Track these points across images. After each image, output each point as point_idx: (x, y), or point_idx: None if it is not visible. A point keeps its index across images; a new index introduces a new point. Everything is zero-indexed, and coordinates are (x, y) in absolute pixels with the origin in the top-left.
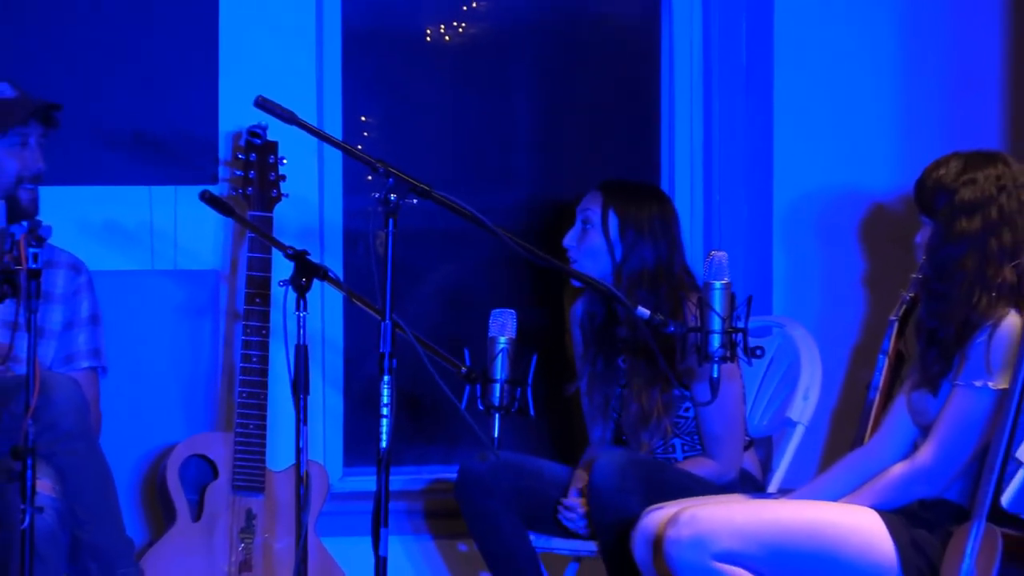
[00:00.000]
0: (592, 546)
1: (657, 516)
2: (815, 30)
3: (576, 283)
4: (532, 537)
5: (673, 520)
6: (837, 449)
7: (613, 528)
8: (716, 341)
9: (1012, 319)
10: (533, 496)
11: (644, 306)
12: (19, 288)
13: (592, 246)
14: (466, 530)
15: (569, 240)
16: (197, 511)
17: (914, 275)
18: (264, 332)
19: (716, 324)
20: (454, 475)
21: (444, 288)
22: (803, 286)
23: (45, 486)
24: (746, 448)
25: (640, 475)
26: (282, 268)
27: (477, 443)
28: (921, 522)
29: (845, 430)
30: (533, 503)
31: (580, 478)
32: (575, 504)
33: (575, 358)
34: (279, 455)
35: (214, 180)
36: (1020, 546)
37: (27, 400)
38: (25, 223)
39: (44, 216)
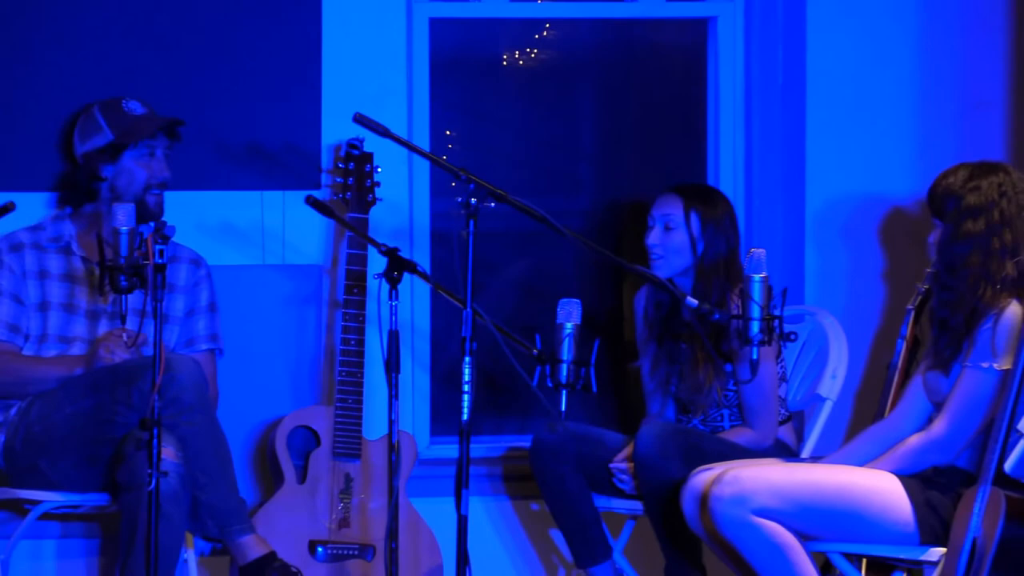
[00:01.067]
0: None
1: (704, 476)
2: (843, 54)
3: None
4: (595, 498)
5: (718, 479)
6: (861, 422)
7: (656, 490)
8: (755, 327)
9: (1014, 308)
10: (595, 462)
11: (719, 293)
12: (147, 280)
13: (677, 244)
14: (538, 492)
15: (653, 240)
16: (302, 475)
17: (928, 270)
18: (361, 319)
19: (756, 312)
20: (527, 443)
21: (518, 281)
22: (831, 279)
23: (169, 453)
24: (784, 422)
25: (679, 443)
26: (376, 263)
27: (547, 415)
28: (935, 485)
29: (868, 405)
30: (595, 468)
31: (629, 446)
32: (623, 467)
33: (637, 341)
34: (373, 426)
35: (317, 186)
36: (1021, 506)
37: (154, 378)
38: (152, 224)
39: (168, 218)
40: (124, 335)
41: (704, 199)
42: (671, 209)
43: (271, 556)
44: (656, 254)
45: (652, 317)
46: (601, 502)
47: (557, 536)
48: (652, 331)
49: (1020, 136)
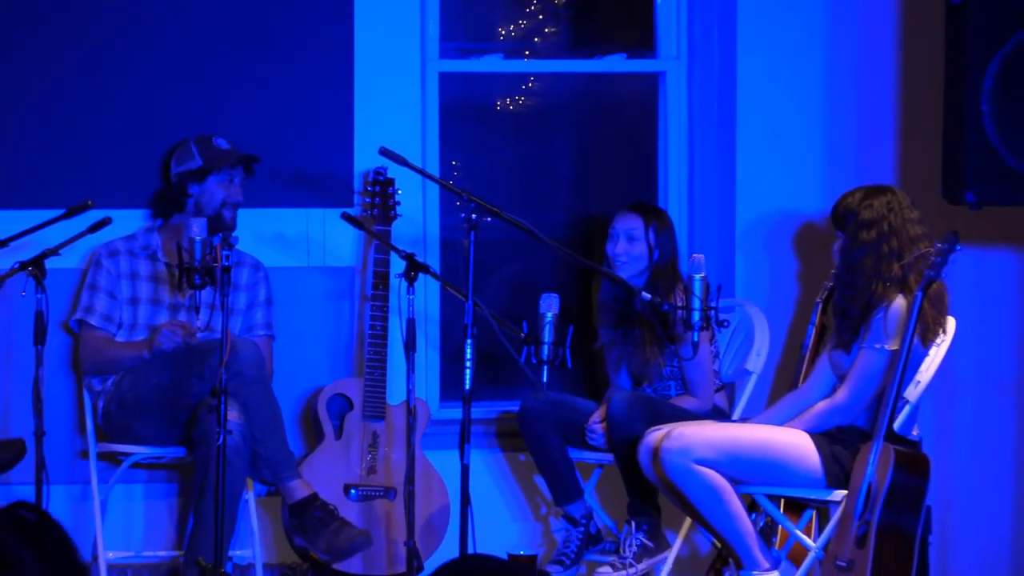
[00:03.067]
0: (610, 458)
1: (655, 435)
2: (765, 99)
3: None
4: (569, 451)
5: (667, 436)
6: (780, 391)
7: (624, 444)
8: (697, 316)
9: (900, 301)
10: (570, 423)
11: (666, 289)
12: (216, 279)
13: (638, 252)
14: (524, 447)
15: (619, 249)
16: (338, 432)
17: (832, 271)
18: (385, 309)
19: (696, 304)
20: (516, 408)
21: (509, 279)
22: (756, 278)
23: (233, 415)
24: (719, 390)
25: (642, 408)
26: (397, 265)
27: (531, 386)
28: (838, 441)
29: (785, 378)
30: (570, 428)
31: (601, 409)
32: (597, 427)
33: (599, 327)
34: (395, 393)
35: (351, 204)
36: (906, 457)
37: (221, 356)
38: (220, 234)
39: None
40: (177, 327)
41: (658, 216)
42: (633, 224)
43: (314, 496)
44: (621, 261)
45: (610, 308)
46: (575, 454)
47: (540, 481)
48: (610, 319)
49: (906, 162)
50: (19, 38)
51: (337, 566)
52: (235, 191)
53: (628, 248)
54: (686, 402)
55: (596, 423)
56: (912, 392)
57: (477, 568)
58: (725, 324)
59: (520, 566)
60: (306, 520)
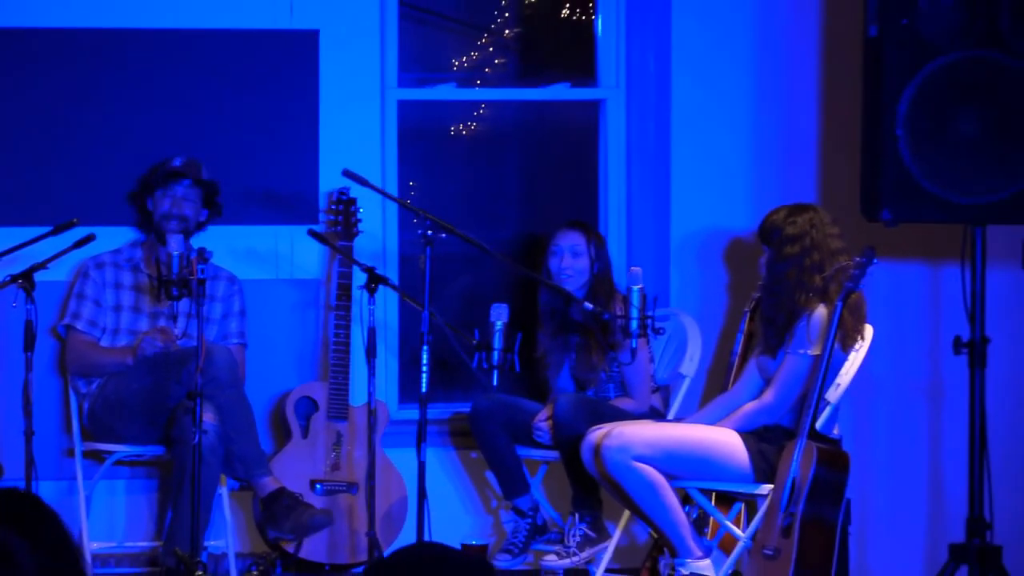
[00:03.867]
0: (555, 455)
1: (597, 433)
2: (697, 126)
3: (544, 289)
4: (517, 449)
5: (607, 434)
6: (711, 393)
7: (569, 443)
8: (634, 324)
9: (821, 310)
10: (517, 422)
11: (604, 299)
12: (192, 291)
13: (580, 266)
14: (475, 444)
15: (565, 264)
16: (305, 432)
17: (759, 283)
18: (348, 319)
19: (634, 313)
20: (468, 409)
21: (462, 291)
22: (689, 289)
23: (209, 417)
24: (655, 392)
25: (586, 409)
26: (359, 278)
27: (482, 388)
28: (765, 439)
29: (716, 381)
30: (518, 427)
31: (547, 409)
32: (543, 425)
33: (539, 335)
34: (357, 395)
35: (316, 221)
36: (827, 454)
37: (197, 362)
38: (196, 249)
39: (209, 246)
40: (158, 333)
41: (596, 233)
42: (576, 240)
43: (283, 489)
44: (567, 274)
45: (551, 318)
46: (522, 452)
47: (491, 476)
48: (551, 328)
49: (827, 182)
50: (13, 69)
51: (303, 555)
52: (177, 204)
53: (573, 263)
54: (625, 403)
55: (542, 421)
56: (833, 394)
57: (429, 555)
58: (661, 332)
59: (470, 555)
60: (275, 509)
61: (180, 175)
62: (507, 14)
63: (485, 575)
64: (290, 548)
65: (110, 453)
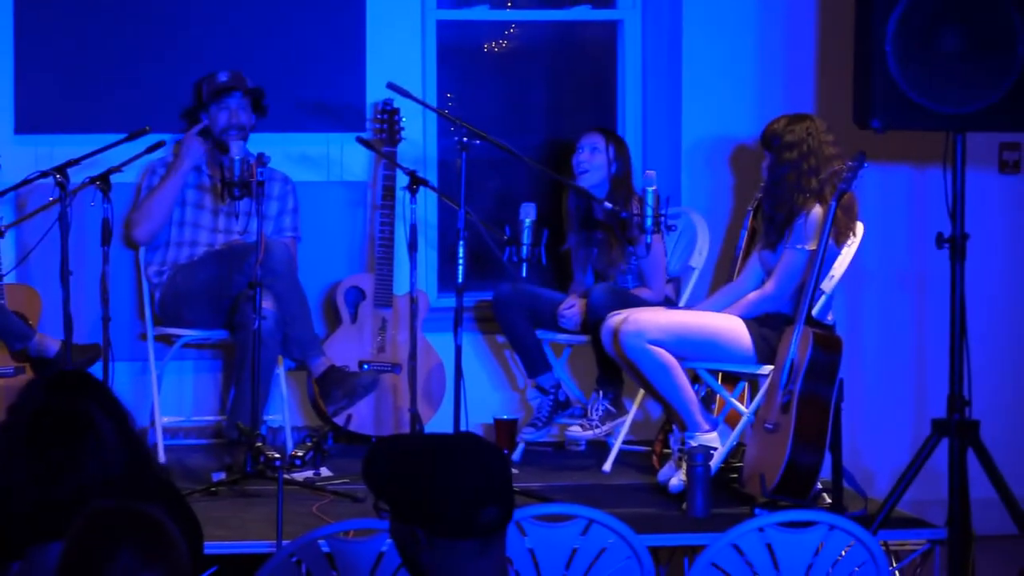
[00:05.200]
0: (578, 339)
1: (615, 319)
2: (706, 41)
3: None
4: (542, 333)
5: (624, 320)
6: (718, 283)
7: (598, 326)
8: (649, 221)
9: (817, 209)
10: (538, 308)
11: (623, 199)
12: (252, 192)
13: (598, 162)
14: (500, 329)
15: (582, 159)
16: (353, 318)
17: (761, 184)
18: (391, 217)
19: (649, 211)
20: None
21: (495, 191)
22: (698, 190)
23: (267, 304)
24: (668, 282)
25: (617, 298)
26: (402, 180)
27: (512, 278)
28: (766, 325)
29: (722, 273)
30: (538, 312)
31: (571, 298)
32: (567, 313)
33: (567, 231)
34: (400, 285)
35: (363, 129)
36: (823, 338)
37: (257, 255)
38: (255, 153)
39: (267, 151)
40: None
41: (617, 138)
42: (596, 140)
43: (333, 367)
44: (583, 168)
45: (576, 216)
46: (547, 336)
47: (517, 358)
48: (576, 225)
49: (823, 94)
50: (90, 1)
51: (352, 428)
52: (235, 115)
53: (590, 158)
54: (644, 293)
55: (567, 309)
56: (828, 284)
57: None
58: (673, 228)
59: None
60: (327, 385)
61: (232, 88)
62: None
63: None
64: (340, 420)
65: (179, 337)
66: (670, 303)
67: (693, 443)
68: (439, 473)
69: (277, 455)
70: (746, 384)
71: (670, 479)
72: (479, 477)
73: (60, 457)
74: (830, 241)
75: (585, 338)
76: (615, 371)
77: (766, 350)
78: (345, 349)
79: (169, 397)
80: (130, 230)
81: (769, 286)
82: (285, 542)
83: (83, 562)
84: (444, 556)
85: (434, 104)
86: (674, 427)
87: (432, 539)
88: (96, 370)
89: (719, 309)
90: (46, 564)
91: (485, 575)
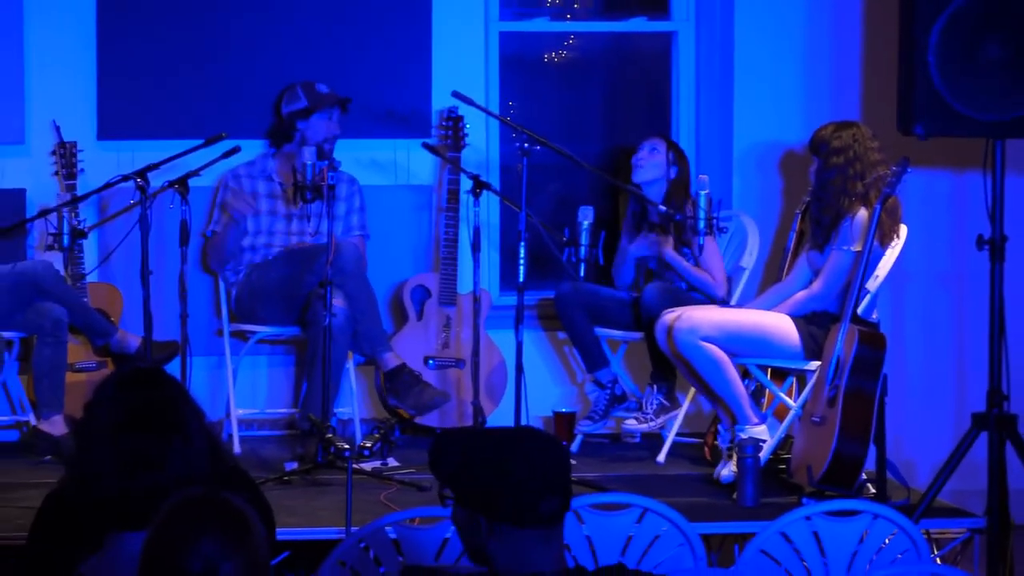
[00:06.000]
0: (633, 335)
1: (669, 316)
2: (757, 52)
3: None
4: (599, 330)
5: (678, 317)
6: (767, 283)
7: (652, 323)
8: (701, 223)
9: (862, 212)
10: (596, 306)
11: (679, 204)
12: (323, 194)
13: (656, 161)
14: (561, 325)
15: (641, 155)
16: (419, 315)
17: (809, 189)
18: (456, 219)
19: (702, 215)
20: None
21: (554, 195)
22: (749, 194)
23: (338, 301)
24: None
25: (669, 296)
26: (466, 184)
27: (571, 278)
28: (813, 322)
29: (772, 273)
30: (597, 310)
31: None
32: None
33: (623, 233)
34: (464, 284)
35: (429, 135)
36: (867, 335)
37: (328, 255)
38: (326, 160)
39: (337, 156)
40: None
41: (677, 146)
42: (657, 143)
43: (403, 365)
44: (640, 165)
45: (631, 216)
46: (604, 332)
47: (576, 353)
48: (634, 226)
49: (868, 102)
50: (168, 9)
51: (418, 420)
52: (333, 126)
53: (648, 156)
54: (703, 276)
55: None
56: (872, 284)
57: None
58: (724, 230)
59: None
60: (397, 384)
61: (341, 101)
62: None
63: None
64: (409, 411)
65: (253, 333)
66: (722, 301)
67: (743, 435)
68: (502, 463)
69: (346, 446)
70: (794, 379)
71: (721, 471)
72: (540, 468)
73: (148, 450)
74: (875, 243)
75: (639, 335)
76: (668, 367)
77: (813, 347)
78: (411, 345)
79: (244, 390)
80: (207, 260)
81: (816, 286)
82: (354, 528)
83: (167, 547)
84: (505, 543)
85: (496, 111)
86: (722, 420)
87: (493, 526)
88: (174, 365)
89: (768, 307)
90: (122, 552)
91: (544, 561)
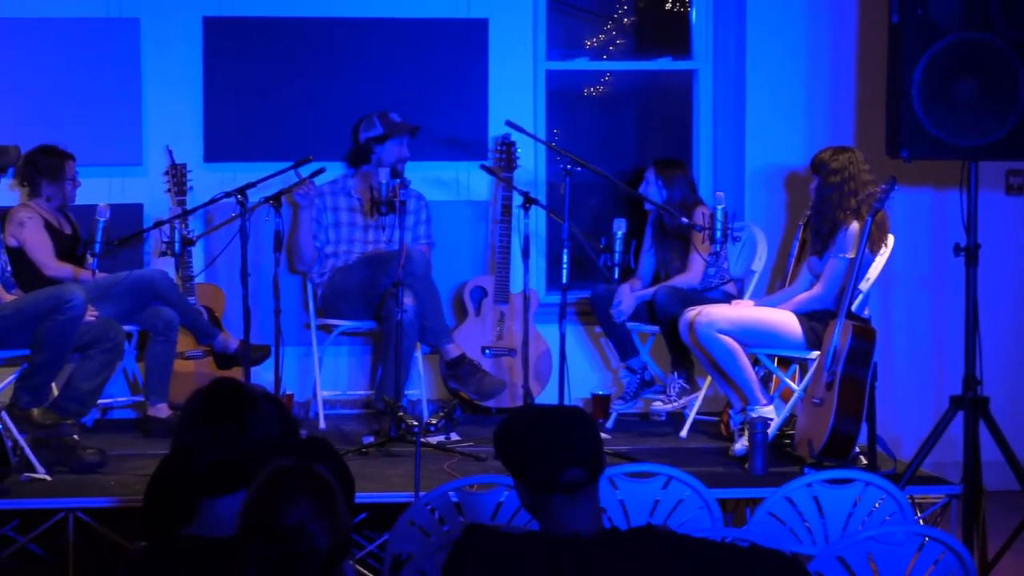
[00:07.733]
0: (658, 329)
1: (691, 313)
2: (765, 87)
3: (648, 206)
4: (630, 324)
5: (698, 313)
6: (774, 284)
7: (666, 320)
8: (719, 233)
9: (855, 224)
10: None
11: (686, 215)
12: (396, 208)
13: (651, 192)
14: (597, 320)
15: (641, 189)
16: (477, 311)
17: (810, 203)
18: (509, 229)
19: (718, 225)
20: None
21: (592, 209)
22: (759, 208)
23: (408, 300)
24: (730, 282)
25: (679, 296)
26: (517, 199)
27: (606, 280)
28: (814, 318)
29: (778, 276)
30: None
31: (626, 291)
32: (615, 309)
33: (645, 237)
34: (515, 285)
35: (486, 158)
36: (860, 329)
37: (399, 259)
38: (398, 179)
39: (408, 176)
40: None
41: (667, 166)
42: (648, 175)
43: (463, 355)
44: (647, 193)
45: (653, 225)
46: (635, 327)
47: (610, 343)
48: (654, 233)
49: (861, 129)
50: (263, 49)
51: (476, 401)
52: (404, 150)
53: (644, 189)
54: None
55: (615, 307)
56: (864, 285)
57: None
58: (737, 239)
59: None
60: (459, 372)
61: (411, 129)
62: (625, 6)
63: (579, 423)
64: (472, 396)
65: (336, 327)
66: (733, 299)
67: (754, 414)
68: (528, 441)
69: (415, 423)
70: (797, 366)
71: (735, 445)
72: (562, 443)
73: (231, 424)
74: (866, 250)
75: (659, 329)
76: (685, 356)
77: (814, 339)
78: (471, 337)
79: (328, 375)
80: (291, 263)
81: (817, 288)
82: (422, 493)
83: (268, 504)
84: (539, 505)
85: (544, 138)
86: (733, 405)
87: (525, 492)
88: (268, 359)
89: (776, 305)
90: (217, 514)
91: (575, 521)
